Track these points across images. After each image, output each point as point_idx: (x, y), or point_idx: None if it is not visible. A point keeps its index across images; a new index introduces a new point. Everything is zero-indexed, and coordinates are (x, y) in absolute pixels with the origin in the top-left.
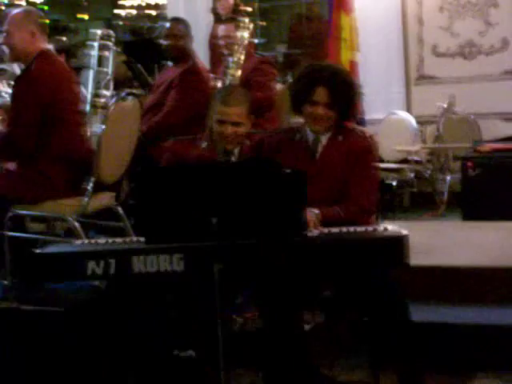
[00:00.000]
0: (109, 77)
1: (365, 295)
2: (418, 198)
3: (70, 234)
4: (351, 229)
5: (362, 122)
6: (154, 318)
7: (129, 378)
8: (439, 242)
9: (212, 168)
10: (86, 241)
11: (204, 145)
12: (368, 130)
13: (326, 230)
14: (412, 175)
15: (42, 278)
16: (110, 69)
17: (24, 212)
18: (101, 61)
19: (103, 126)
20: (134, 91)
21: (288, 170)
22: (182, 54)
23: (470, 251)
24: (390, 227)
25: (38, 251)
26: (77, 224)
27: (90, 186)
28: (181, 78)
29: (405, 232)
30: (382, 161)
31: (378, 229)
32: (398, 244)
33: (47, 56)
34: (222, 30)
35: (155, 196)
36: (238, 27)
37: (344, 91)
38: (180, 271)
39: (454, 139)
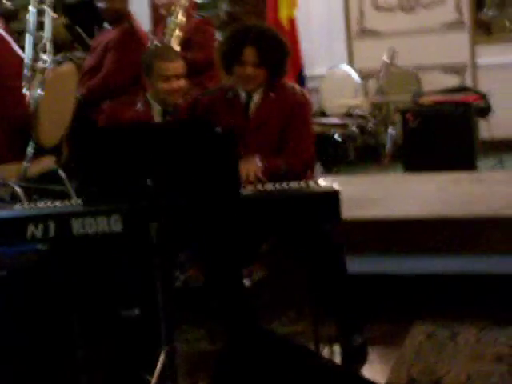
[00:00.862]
0: (45, 40)
1: (302, 249)
2: (362, 152)
3: (15, 198)
4: (285, 185)
5: (301, 77)
6: (98, 278)
7: (76, 339)
8: (378, 194)
9: (146, 129)
10: (26, 205)
11: (139, 106)
12: (309, 84)
13: (260, 187)
14: (355, 129)
15: None
16: (46, 32)
17: None
18: (41, 25)
19: (40, 91)
20: (70, 55)
21: (219, 130)
22: (118, 16)
23: (407, 203)
24: (323, 182)
25: None
26: (18, 188)
27: (29, 151)
28: (118, 39)
29: (336, 187)
30: (325, 115)
31: (311, 184)
32: (330, 199)
33: None
34: None
35: (92, 158)
36: None
37: (272, 50)
38: (118, 232)
39: (395, 92)
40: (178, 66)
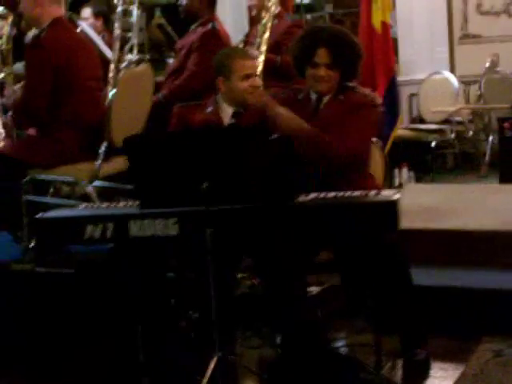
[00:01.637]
0: (132, 41)
1: (364, 259)
2: (460, 160)
3: (88, 198)
4: (345, 194)
5: (394, 83)
6: (155, 280)
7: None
8: (461, 204)
9: (202, 133)
10: (87, 205)
11: (210, 109)
12: (408, 90)
13: (321, 195)
14: (453, 136)
15: (43, 242)
16: (134, 33)
17: (38, 176)
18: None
19: (114, 91)
20: (145, 56)
21: (275, 136)
22: (196, 16)
23: (487, 214)
24: (385, 192)
25: (37, 216)
26: (90, 188)
27: (102, 151)
28: (201, 41)
29: (396, 197)
30: (423, 121)
31: (371, 194)
32: (388, 209)
33: (59, 23)
34: None
35: (147, 162)
36: None
37: (345, 51)
38: (175, 235)
39: (495, 99)
40: (255, 64)
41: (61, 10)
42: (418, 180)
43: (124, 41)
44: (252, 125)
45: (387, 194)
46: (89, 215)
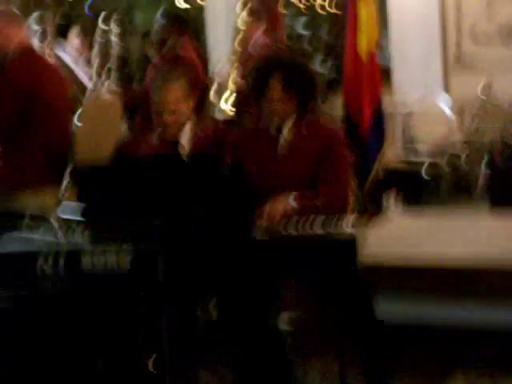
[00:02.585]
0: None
1: (325, 296)
2: (453, 190)
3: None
4: (308, 229)
5: (380, 113)
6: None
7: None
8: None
9: (152, 166)
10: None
11: (155, 138)
12: (399, 117)
13: (282, 231)
14: (446, 166)
15: None
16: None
17: None
18: None
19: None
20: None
21: (226, 170)
22: (162, 45)
23: (460, 243)
24: (347, 226)
25: None
26: (53, 219)
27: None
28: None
29: (355, 232)
30: (414, 150)
31: (333, 230)
32: (346, 246)
33: (24, 50)
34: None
35: (97, 194)
36: None
37: (298, 78)
38: (126, 270)
39: (489, 129)
40: (170, 101)
41: (26, 37)
42: (408, 207)
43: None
44: (207, 155)
45: (349, 227)
46: (39, 250)
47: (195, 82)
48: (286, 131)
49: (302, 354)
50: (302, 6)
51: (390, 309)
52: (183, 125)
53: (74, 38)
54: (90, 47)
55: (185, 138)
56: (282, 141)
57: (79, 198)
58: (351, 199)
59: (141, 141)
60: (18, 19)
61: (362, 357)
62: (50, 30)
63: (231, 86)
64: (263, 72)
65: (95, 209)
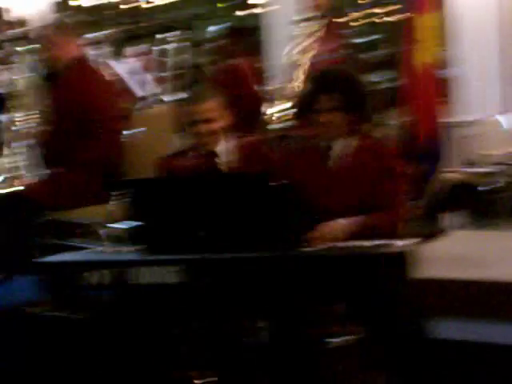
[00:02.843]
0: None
1: (374, 311)
2: None
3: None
4: (356, 243)
5: (437, 125)
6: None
7: None
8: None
9: (200, 179)
10: (94, 250)
11: (191, 154)
12: (457, 131)
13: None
14: (505, 180)
15: (44, 287)
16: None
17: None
18: None
19: (130, 131)
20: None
21: (275, 184)
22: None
23: None
24: (401, 242)
25: (36, 260)
26: (104, 231)
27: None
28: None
29: (405, 248)
30: (472, 164)
31: (383, 244)
32: (393, 262)
33: (79, 63)
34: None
35: (144, 207)
36: None
37: (349, 95)
38: (174, 284)
39: None
40: (205, 109)
41: (81, 49)
42: (469, 226)
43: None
44: (254, 170)
45: (401, 244)
46: (87, 261)
47: (240, 93)
48: (337, 147)
49: (350, 373)
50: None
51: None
52: (219, 134)
53: (132, 50)
54: (148, 58)
55: (222, 148)
56: (332, 156)
57: (128, 211)
58: (405, 217)
59: (179, 154)
60: (73, 30)
61: (413, 376)
62: (107, 41)
63: (286, 96)
64: (314, 87)
65: (143, 221)
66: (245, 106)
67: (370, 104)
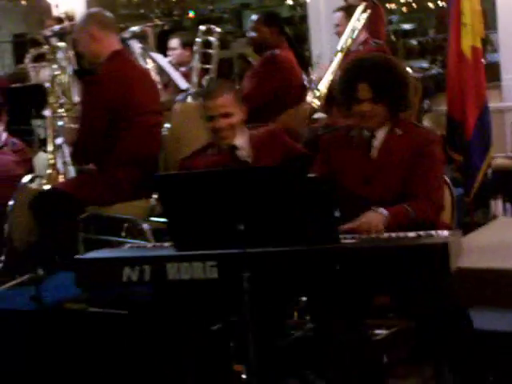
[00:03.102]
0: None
1: (417, 303)
2: None
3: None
4: (400, 234)
5: (486, 111)
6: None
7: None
8: None
9: (238, 173)
10: (133, 245)
11: (210, 151)
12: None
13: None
14: None
15: (82, 284)
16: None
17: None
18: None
19: (167, 125)
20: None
21: (313, 175)
22: (260, 46)
23: None
24: (440, 232)
25: (76, 256)
26: (145, 226)
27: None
28: (257, 66)
29: (448, 239)
30: None
31: (424, 235)
32: (436, 252)
33: (116, 57)
34: (335, 18)
35: (180, 202)
36: (348, 15)
37: (387, 83)
38: (213, 278)
39: None
40: (221, 104)
41: (118, 43)
42: None
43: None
44: (290, 163)
45: (441, 235)
46: (126, 257)
47: (283, 83)
48: (379, 135)
49: (395, 365)
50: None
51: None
52: (237, 128)
53: (176, 42)
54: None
55: (240, 141)
56: (374, 145)
57: (163, 206)
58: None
59: (198, 153)
60: (111, 23)
61: (459, 367)
62: (150, 33)
63: (327, 85)
64: (352, 76)
65: (179, 217)
66: (288, 96)
67: (411, 91)
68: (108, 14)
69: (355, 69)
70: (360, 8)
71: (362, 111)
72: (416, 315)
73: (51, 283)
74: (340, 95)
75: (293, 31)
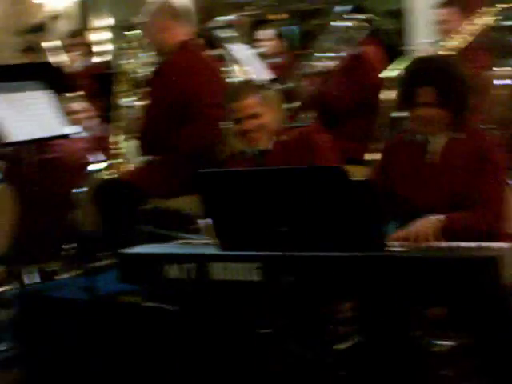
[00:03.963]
0: None
1: (467, 317)
2: None
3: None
4: (452, 245)
5: None
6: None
7: None
8: None
9: (275, 172)
10: (183, 242)
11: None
12: None
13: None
14: None
15: (126, 279)
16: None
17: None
18: None
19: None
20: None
21: (355, 179)
22: None
23: None
24: (497, 244)
25: (120, 251)
26: (201, 222)
27: None
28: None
29: (501, 253)
30: None
31: (478, 247)
32: (487, 265)
33: (183, 48)
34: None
35: (221, 200)
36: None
37: (451, 87)
38: (256, 281)
39: None
40: (247, 105)
41: (188, 33)
42: None
43: None
44: (332, 166)
45: (496, 247)
46: (167, 254)
47: (362, 80)
48: (435, 141)
49: (452, 378)
50: None
51: None
52: (266, 129)
53: (270, 33)
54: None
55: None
56: (430, 152)
57: (204, 204)
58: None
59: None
60: (182, 13)
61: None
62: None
63: None
64: (410, 79)
65: (221, 216)
66: (364, 94)
67: (467, 95)
68: (180, 3)
69: (416, 71)
70: None
71: (421, 115)
72: (469, 330)
73: (110, 275)
74: (400, 97)
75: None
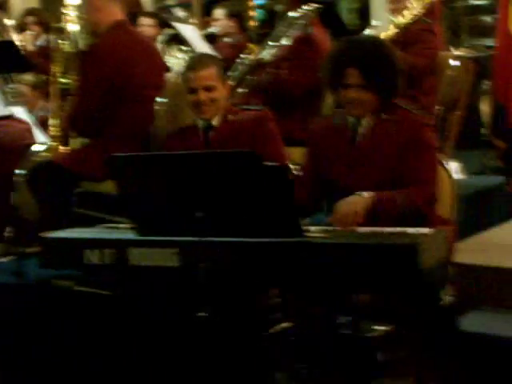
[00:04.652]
0: None
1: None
2: None
3: None
4: (376, 230)
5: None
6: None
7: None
8: None
9: (189, 157)
10: (108, 226)
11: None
12: None
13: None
14: None
15: (45, 263)
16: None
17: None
18: None
19: (160, 100)
20: None
21: (269, 164)
22: None
23: None
24: (417, 230)
25: (41, 235)
26: None
27: None
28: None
29: (419, 239)
30: None
31: (402, 233)
32: (405, 252)
33: (117, 28)
34: None
35: (134, 185)
36: None
37: (378, 69)
38: (173, 267)
39: None
40: (204, 76)
41: (121, 13)
42: None
43: None
44: (245, 150)
45: (417, 232)
46: (87, 239)
47: (314, 63)
48: (364, 124)
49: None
50: None
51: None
52: (219, 104)
53: (221, 12)
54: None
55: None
56: (360, 134)
57: (118, 189)
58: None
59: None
60: None
61: (443, 372)
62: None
63: None
64: (341, 60)
65: (136, 200)
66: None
67: (402, 77)
68: None
69: (343, 52)
70: None
71: (350, 97)
72: (393, 317)
73: None
74: (327, 79)
75: None
